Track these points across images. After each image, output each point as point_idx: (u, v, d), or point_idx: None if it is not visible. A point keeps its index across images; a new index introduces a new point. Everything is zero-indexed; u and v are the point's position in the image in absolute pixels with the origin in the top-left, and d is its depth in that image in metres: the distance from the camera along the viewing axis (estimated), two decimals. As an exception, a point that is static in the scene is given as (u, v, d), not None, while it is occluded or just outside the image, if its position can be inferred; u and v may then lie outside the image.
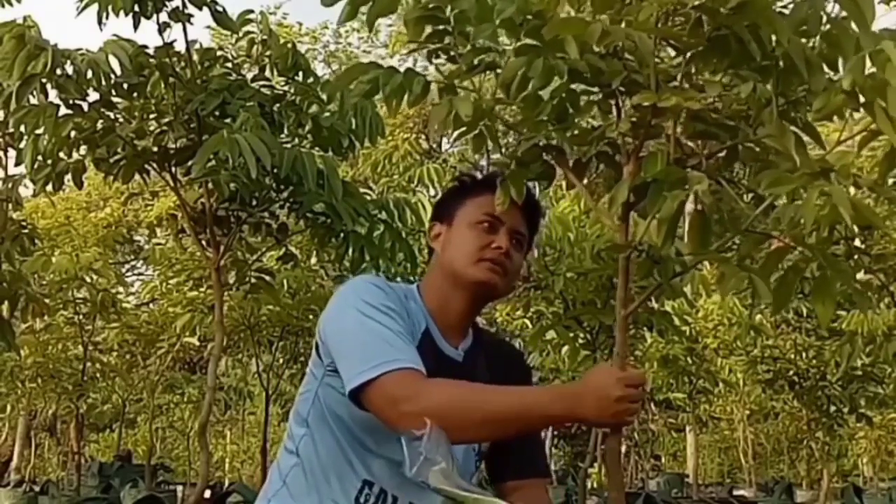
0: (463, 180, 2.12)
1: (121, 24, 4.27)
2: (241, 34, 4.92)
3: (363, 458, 1.90)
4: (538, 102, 1.89)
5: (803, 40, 1.77)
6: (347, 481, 1.91)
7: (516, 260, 2.01)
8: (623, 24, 1.75)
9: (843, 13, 1.77)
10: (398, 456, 1.90)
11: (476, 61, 1.90)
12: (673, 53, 2.04)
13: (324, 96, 4.81)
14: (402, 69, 1.96)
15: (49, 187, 4.66)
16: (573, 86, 1.86)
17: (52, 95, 4.36)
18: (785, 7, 1.91)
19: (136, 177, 4.75)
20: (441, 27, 1.91)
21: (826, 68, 1.79)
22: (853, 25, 1.75)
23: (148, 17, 4.29)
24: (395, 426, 1.73)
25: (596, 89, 1.92)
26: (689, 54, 1.82)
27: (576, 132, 1.97)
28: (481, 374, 2.00)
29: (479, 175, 2.18)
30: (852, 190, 1.96)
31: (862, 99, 1.68)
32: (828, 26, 1.79)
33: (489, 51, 1.89)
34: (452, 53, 1.92)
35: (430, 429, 1.59)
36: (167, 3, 4.31)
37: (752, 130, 1.89)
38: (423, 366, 1.79)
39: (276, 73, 4.87)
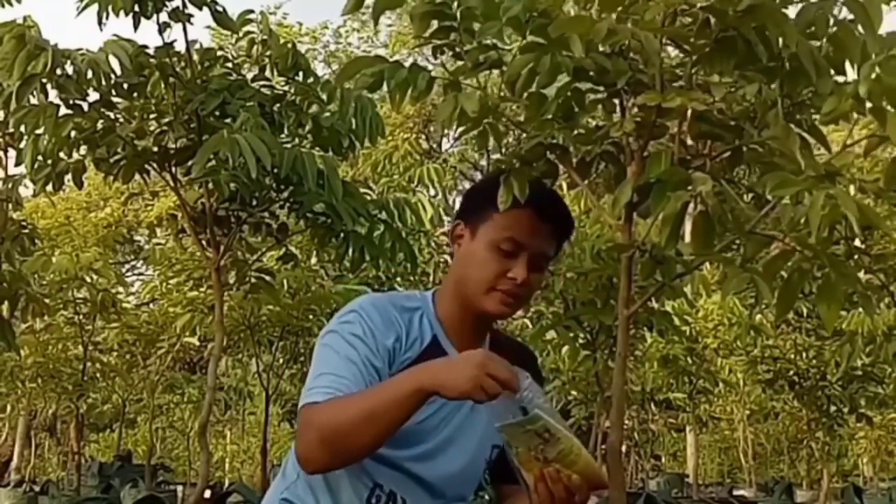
0: (494, 186, 2.00)
1: (121, 24, 4.28)
2: (241, 34, 4.92)
3: (373, 462, 1.89)
4: (543, 100, 1.87)
5: (810, 42, 1.76)
6: (359, 482, 1.91)
7: (534, 282, 1.94)
8: (629, 24, 1.73)
9: (850, 16, 1.76)
10: (405, 462, 1.90)
11: (481, 58, 1.88)
12: (674, 53, 2.03)
13: (324, 96, 4.81)
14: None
15: (49, 187, 4.65)
16: (578, 84, 1.85)
17: (52, 95, 4.36)
18: (786, 6, 1.90)
19: (136, 177, 4.75)
20: (447, 23, 1.89)
21: (832, 71, 1.78)
22: (860, 28, 1.74)
23: (148, 17, 4.29)
24: (301, 464, 1.80)
25: (601, 88, 1.91)
26: (695, 55, 1.81)
27: (580, 131, 1.95)
28: None
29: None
30: (853, 190, 1.95)
31: (869, 104, 1.67)
32: (834, 29, 1.77)
33: (495, 48, 1.87)
34: (458, 50, 1.90)
35: (525, 378, 1.60)
36: (167, 3, 4.31)
37: (757, 132, 1.88)
38: (352, 385, 1.78)
39: (276, 73, 4.86)
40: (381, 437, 1.73)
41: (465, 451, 1.97)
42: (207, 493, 8.65)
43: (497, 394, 1.62)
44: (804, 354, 9.30)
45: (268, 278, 5.55)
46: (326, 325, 1.95)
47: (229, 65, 4.76)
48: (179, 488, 14.01)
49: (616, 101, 1.93)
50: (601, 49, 1.78)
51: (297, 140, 4.84)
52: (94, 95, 4.44)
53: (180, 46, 4.49)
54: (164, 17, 4.33)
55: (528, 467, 1.64)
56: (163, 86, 4.51)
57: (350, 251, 4.84)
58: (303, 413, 1.78)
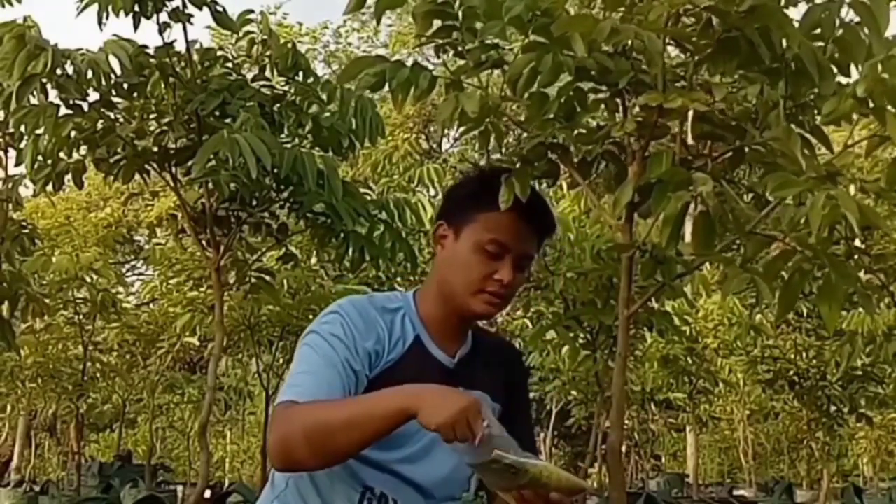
0: (477, 187, 2.00)
1: (121, 24, 4.27)
2: (241, 34, 4.91)
3: (362, 465, 1.89)
4: (545, 100, 1.87)
5: (814, 44, 1.75)
6: (350, 486, 1.90)
7: (518, 282, 1.94)
8: (632, 24, 1.73)
9: (857, 18, 1.75)
10: (393, 464, 1.89)
11: (483, 57, 1.87)
12: (675, 53, 2.03)
13: (324, 96, 4.80)
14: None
15: (49, 187, 4.65)
16: (580, 84, 1.84)
17: (52, 95, 4.35)
18: (790, 7, 1.89)
19: (136, 177, 4.74)
20: (449, 22, 1.88)
21: (836, 72, 1.77)
22: (865, 31, 1.74)
23: (148, 17, 4.28)
24: (276, 458, 1.80)
25: (603, 88, 1.90)
26: (697, 55, 1.80)
27: (582, 131, 1.94)
28: (478, 380, 1.98)
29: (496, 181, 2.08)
30: (853, 191, 1.95)
31: (871, 104, 1.66)
32: (840, 31, 1.77)
33: (497, 47, 1.87)
34: (460, 49, 1.89)
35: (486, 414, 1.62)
36: (167, 3, 4.30)
37: (758, 133, 1.87)
38: (328, 389, 1.79)
39: (276, 73, 4.86)
40: (362, 444, 1.75)
41: (453, 452, 1.97)
42: (207, 493, 8.65)
43: (463, 439, 1.65)
44: (804, 354, 9.30)
45: (268, 278, 5.54)
46: (312, 324, 1.95)
47: (229, 65, 4.76)
48: (179, 488, 14.00)
49: (618, 100, 1.92)
50: (603, 49, 1.77)
51: (297, 140, 4.84)
52: (94, 95, 4.44)
53: (180, 46, 4.49)
54: (164, 17, 4.33)
55: (502, 489, 1.68)
56: (163, 86, 4.50)
57: (350, 251, 4.83)
58: (281, 410, 1.78)
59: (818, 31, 1.77)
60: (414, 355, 1.91)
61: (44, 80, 4.25)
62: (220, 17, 4.49)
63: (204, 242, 4.87)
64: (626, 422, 12.19)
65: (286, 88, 4.85)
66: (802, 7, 1.80)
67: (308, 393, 1.78)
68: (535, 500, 1.67)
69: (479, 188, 1.99)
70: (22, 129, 4.36)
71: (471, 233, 1.93)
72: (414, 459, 1.91)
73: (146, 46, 4.42)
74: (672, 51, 2.02)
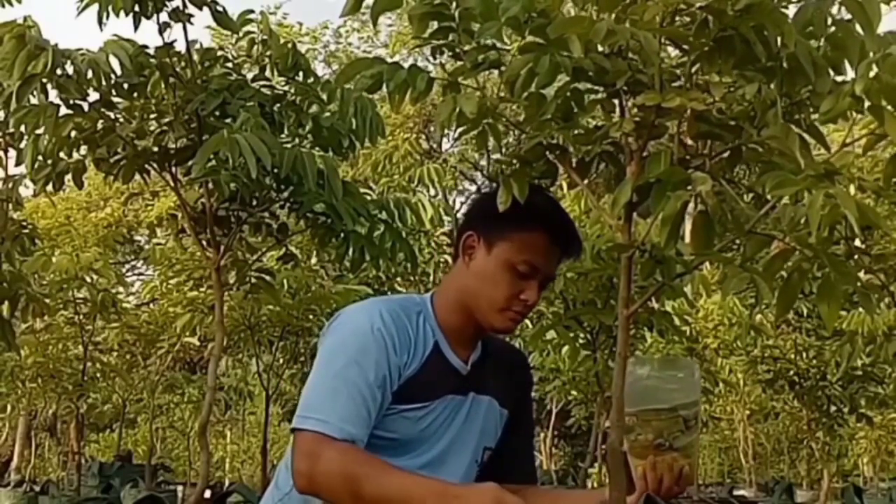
0: (515, 205, 1.92)
1: (121, 24, 4.28)
2: (241, 34, 4.91)
3: None
4: (543, 101, 1.88)
5: (809, 42, 1.76)
6: None
7: (537, 300, 2.00)
8: (628, 24, 1.74)
9: (849, 16, 1.76)
10: (416, 471, 1.90)
11: (480, 59, 1.89)
12: (673, 53, 2.03)
13: (324, 96, 4.81)
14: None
15: (49, 187, 4.65)
16: (578, 85, 1.85)
17: (53, 95, 4.35)
18: (786, 5, 1.90)
19: (136, 177, 4.74)
20: (446, 24, 1.90)
21: (830, 71, 1.78)
22: (858, 28, 1.74)
23: (148, 18, 4.28)
24: (294, 481, 1.81)
25: (600, 88, 1.91)
26: (694, 55, 1.81)
27: (580, 131, 1.96)
28: (488, 384, 2.01)
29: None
30: (853, 190, 1.95)
31: (867, 102, 1.67)
32: (832, 28, 1.78)
33: (494, 48, 1.88)
34: (457, 50, 1.91)
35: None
36: (167, 3, 4.31)
37: (756, 132, 1.88)
38: (359, 431, 1.81)
39: (276, 73, 4.86)
40: None
41: (465, 455, 1.99)
42: (207, 493, 8.64)
43: None
44: (804, 354, 9.30)
45: (268, 278, 5.54)
46: (336, 329, 1.93)
47: (229, 65, 4.75)
48: (179, 488, 14.00)
49: (615, 101, 1.93)
50: (600, 49, 1.78)
51: (297, 140, 4.84)
52: (94, 95, 4.44)
53: (180, 46, 4.49)
54: (164, 17, 4.33)
55: (639, 455, 1.67)
56: (163, 86, 4.51)
57: (350, 251, 4.83)
58: (317, 443, 1.78)
59: (810, 28, 1.78)
60: (433, 363, 1.95)
61: (44, 80, 4.24)
62: (220, 17, 4.49)
63: (204, 242, 4.87)
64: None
65: (286, 88, 4.85)
66: (797, 5, 1.81)
67: (342, 431, 1.78)
68: (668, 472, 1.68)
69: (515, 206, 1.96)
70: (22, 129, 4.36)
71: (504, 250, 1.97)
72: (429, 466, 1.91)
73: (146, 46, 4.42)
74: (671, 51, 2.03)
